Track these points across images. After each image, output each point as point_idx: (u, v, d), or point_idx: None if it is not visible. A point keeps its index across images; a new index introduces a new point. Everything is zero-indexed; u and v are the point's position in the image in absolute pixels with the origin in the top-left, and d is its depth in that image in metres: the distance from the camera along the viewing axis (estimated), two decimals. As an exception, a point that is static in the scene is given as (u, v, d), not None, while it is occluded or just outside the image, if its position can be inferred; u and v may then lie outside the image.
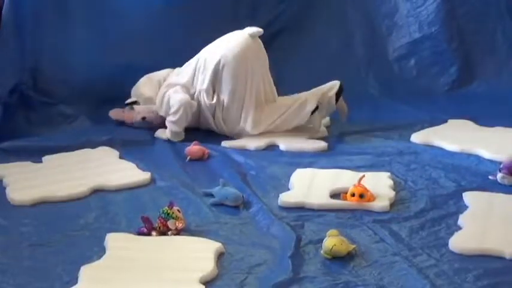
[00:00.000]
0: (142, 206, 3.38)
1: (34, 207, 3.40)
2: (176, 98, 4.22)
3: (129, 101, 4.47)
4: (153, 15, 4.84)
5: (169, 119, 4.21)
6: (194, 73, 4.29)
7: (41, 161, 3.88)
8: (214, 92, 4.24)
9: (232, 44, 4.21)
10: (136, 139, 4.21)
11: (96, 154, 3.98)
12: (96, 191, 3.54)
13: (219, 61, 4.18)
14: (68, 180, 3.61)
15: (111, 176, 3.67)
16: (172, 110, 4.19)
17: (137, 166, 3.80)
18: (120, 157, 3.94)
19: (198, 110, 4.28)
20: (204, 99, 4.24)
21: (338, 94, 4.31)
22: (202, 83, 4.25)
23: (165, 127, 4.24)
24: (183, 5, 4.86)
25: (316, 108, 4.25)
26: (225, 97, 4.21)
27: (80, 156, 3.94)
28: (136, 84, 4.52)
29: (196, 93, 4.28)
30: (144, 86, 4.49)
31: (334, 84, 4.32)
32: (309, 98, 4.26)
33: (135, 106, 4.43)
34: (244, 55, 4.18)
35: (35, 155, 3.93)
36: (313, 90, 4.32)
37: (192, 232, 3.13)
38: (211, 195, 3.45)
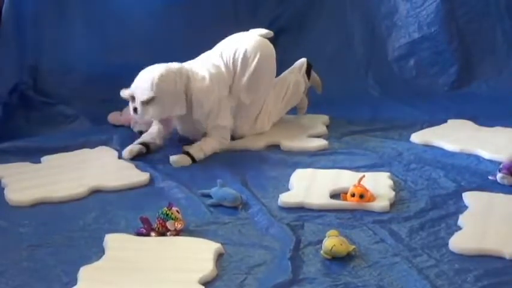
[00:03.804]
0: (141, 206, 3.37)
1: (33, 207, 3.39)
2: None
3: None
4: (153, 15, 4.84)
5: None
6: (225, 63, 4.11)
7: (39, 162, 3.88)
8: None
9: (263, 42, 4.19)
10: (136, 139, 4.20)
11: (95, 154, 3.97)
12: (95, 192, 3.53)
13: (259, 59, 4.11)
14: (67, 180, 3.61)
15: (110, 176, 3.67)
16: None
17: (136, 166, 3.79)
18: (119, 157, 3.94)
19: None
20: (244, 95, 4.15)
21: (308, 70, 4.43)
22: (241, 79, 4.12)
23: None
24: (183, 5, 4.86)
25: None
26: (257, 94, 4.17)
27: (79, 156, 3.94)
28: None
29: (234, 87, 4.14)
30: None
31: (302, 63, 4.44)
32: (298, 79, 4.38)
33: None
34: (274, 54, 4.23)
35: (34, 155, 3.93)
36: (288, 71, 4.42)
37: (191, 233, 3.13)
38: (209, 196, 3.45)
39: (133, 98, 3.93)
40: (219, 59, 4.14)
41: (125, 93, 3.98)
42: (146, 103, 3.88)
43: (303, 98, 4.43)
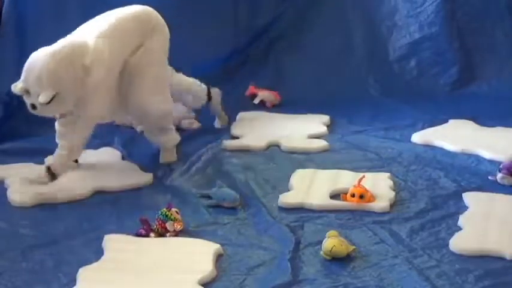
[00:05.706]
0: (140, 207, 3.37)
1: (34, 208, 3.38)
2: None
3: None
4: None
5: None
6: None
7: (43, 162, 3.87)
8: None
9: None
10: (139, 140, 4.20)
11: (98, 155, 3.96)
12: (97, 192, 3.53)
13: None
14: (69, 181, 3.60)
15: (112, 177, 3.66)
16: None
17: (139, 167, 3.78)
18: (123, 158, 3.94)
19: None
20: None
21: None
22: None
23: None
24: (182, 5, 4.85)
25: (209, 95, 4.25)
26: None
27: (81, 157, 3.93)
28: None
29: None
30: None
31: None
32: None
33: None
34: None
35: (37, 156, 3.92)
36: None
37: (190, 234, 3.12)
38: (208, 196, 3.44)
39: (27, 93, 3.38)
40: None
41: (17, 87, 3.40)
42: (47, 103, 3.36)
43: (216, 108, 4.30)
